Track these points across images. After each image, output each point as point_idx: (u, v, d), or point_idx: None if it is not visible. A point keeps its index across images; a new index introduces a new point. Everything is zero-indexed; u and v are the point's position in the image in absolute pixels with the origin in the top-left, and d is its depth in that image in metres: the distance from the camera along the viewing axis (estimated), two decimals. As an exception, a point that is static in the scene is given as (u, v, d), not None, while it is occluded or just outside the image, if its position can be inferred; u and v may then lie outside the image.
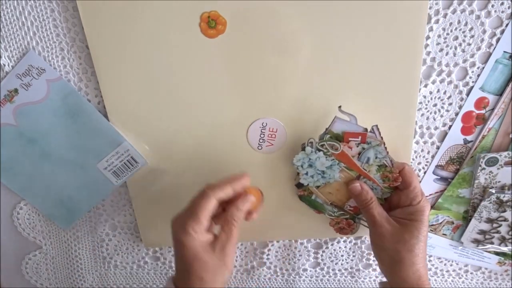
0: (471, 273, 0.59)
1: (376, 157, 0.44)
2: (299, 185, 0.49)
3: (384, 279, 0.47)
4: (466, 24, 0.42)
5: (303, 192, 0.49)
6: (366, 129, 0.44)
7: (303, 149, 0.45)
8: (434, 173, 0.51)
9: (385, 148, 0.44)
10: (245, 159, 0.49)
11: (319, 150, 0.45)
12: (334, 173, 0.46)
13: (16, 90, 0.46)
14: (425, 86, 0.46)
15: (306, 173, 0.47)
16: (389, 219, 0.45)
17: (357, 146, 0.44)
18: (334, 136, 0.45)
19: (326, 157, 0.45)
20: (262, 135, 0.45)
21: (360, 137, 0.44)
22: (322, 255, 0.58)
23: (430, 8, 0.42)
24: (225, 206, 0.43)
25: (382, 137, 0.44)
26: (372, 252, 0.49)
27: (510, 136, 0.47)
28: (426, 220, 0.44)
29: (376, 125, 0.44)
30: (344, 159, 0.45)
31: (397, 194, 0.46)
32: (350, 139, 0.44)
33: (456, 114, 0.47)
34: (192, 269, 0.40)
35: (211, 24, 0.42)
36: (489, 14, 0.42)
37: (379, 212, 0.45)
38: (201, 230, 0.40)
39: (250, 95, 0.45)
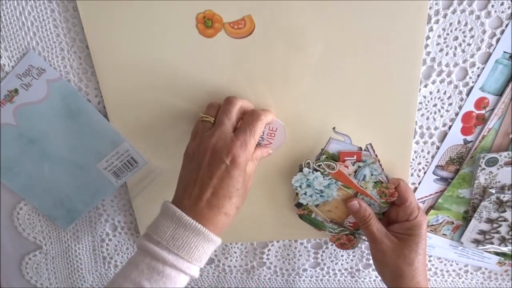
0: (471, 273, 0.59)
1: (372, 174, 0.45)
2: (299, 205, 0.50)
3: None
4: (466, 24, 0.42)
5: (303, 211, 0.51)
6: (360, 148, 0.46)
7: (301, 170, 0.47)
8: (434, 173, 0.51)
9: (380, 165, 0.45)
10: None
11: (316, 171, 0.46)
12: (332, 191, 0.48)
13: (16, 90, 0.46)
14: (425, 86, 0.46)
15: (305, 193, 0.48)
16: (388, 234, 0.46)
17: (353, 165, 0.45)
18: (330, 156, 0.46)
19: (323, 177, 0.47)
20: (261, 134, 0.45)
21: (355, 156, 0.45)
22: (322, 255, 0.58)
23: (430, 8, 0.42)
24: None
25: (376, 155, 0.46)
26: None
27: (510, 136, 0.47)
28: (425, 234, 0.45)
29: (370, 144, 0.46)
30: (341, 177, 0.46)
31: (394, 209, 0.47)
32: (345, 158, 0.45)
33: (456, 114, 0.47)
34: (236, 194, 0.39)
35: (208, 24, 0.42)
36: (489, 14, 0.42)
37: (378, 229, 0.46)
38: (251, 153, 0.40)
39: (251, 95, 0.45)
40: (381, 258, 0.46)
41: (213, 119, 0.41)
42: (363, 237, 0.52)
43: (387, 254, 0.45)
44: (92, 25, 0.42)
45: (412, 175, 0.51)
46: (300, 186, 0.48)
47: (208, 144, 0.39)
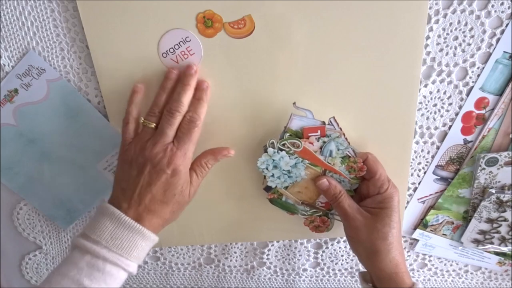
0: (471, 273, 0.59)
1: (338, 149, 0.44)
2: (268, 189, 0.49)
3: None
4: (466, 24, 0.42)
5: (273, 195, 0.49)
6: (324, 122, 0.44)
7: (265, 151, 0.45)
8: (434, 173, 0.51)
9: (346, 138, 0.44)
10: (246, 158, 0.49)
11: (281, 150, 0.45)
12: (300, 171, 0.46)
13: (16, 90, 0.46)
14: (425, 86, 0.46)
15: (272, 175, 0.47)
16: (360, 210, 0.45)
17: (318, 141, 0.44)
18: (293, 134, 0.45)
19: (289, 156, 0.45)
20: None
21: (319, 131, 0.44)
22: (322, 255, 0.58)
23: (430, 8, 0.42)
24: None
25: (341, 128, 0.44)
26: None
27: (510, 136, 0.47)
28: (396, 206, 0.44)
29: (333, 117, 0.44)
30: (307, 155, 0.45)
31: (364, 183, 0.46)
32: (309, 134, 0.44)
33: (456, 114, 0.47)
34: (172, 200, 0.41)
35: (208, 24, 0.42)
36: (489, 14, 0.42)
37: (350, 205, 0.45)
38: (191, 160, 0.42)
39: (251, 94, 0.45)
40: (355, 235, 0.45)
41: (155, 125, 0.42)
42: (337, 217, 0.50)
43: (360, 230, 0.44)
44: (92, 25, 0.42)
45: (412, 175, 0.51)
46: (267, 168, 0.46)
47: (151, 154, 0.40)
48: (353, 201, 0.45)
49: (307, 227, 0.52)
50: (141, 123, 0.43)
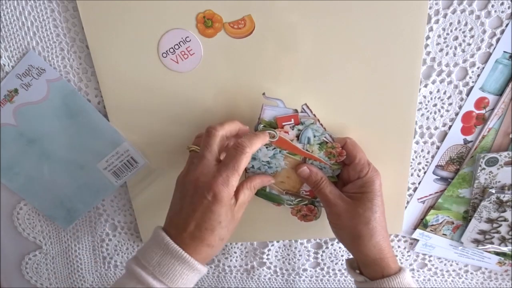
0: (471, 273, 0.59)
1: (314, 136, 0.44)
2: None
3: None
4: (466, 24, 0.42)
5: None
6: (296, 110, 0.44)
7: None
8: (434, 173, 0.51)
9: (321, 124, 0.44)
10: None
11: None
12: (279, 161, 0.46)
13: (16, 90, 0.46)
14: (425, 86, 0.46)
15: (252, 167, 0.47)
16: (342, 196, 0.44)
17: (293, 129, 0.44)
18: (268, 125, 0.44)
19: (267, 147, 0.45)
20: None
21: (292, 119, 0.43)
22: (322, 255, 0.58)
23: (430, 8, 0.42)
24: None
25: (315, 115, 0.44)
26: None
27: (510, 136, 0.47)
28: (378, 190, 0.43)
29: (306, 104, 0.44)
30: (284, 145, 0.45)
31: (346, 169, 0.45)
32: (283, 123, 0.44)
33: (456, 114, 0.47)
34: (218, 227, 0.39)
35: (208, 24, 0.42)
36: (489, 14, 0.42)
37: (331, 191, 0.44)
38: (234, 188, 0.39)
39: (251, 94, 0.45)
40: (337, 221, 0.44)
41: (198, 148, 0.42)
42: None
43: (342, 215, 0.43)
44: (92, 25, 0.42)
45: (412, 175, 0.51)
46: None
47: (192, 177, 0.39)
48: (335, 187, 0.45)
49: (307, 227, 0.52)
50: (187, 149, 0.43)
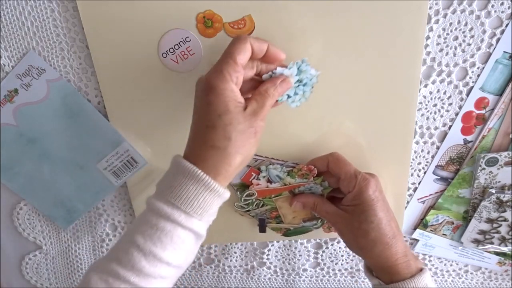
0: (471, 273, 0.59)
1: (279, 171, 0.46)
2: (262, 229, 0.52)
3: None
4: (466, 24, 0.42)
5: (281, 232, 0.52)
6: (249, 166, 0.46)
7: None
8: (434, 173, 0.51)
9: (272, 158, 0.46)
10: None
11: (247, 206, 0.48)
12: (272, 206, 0.48)
13: (16, 90, 0.46)
14: (425, 86, 0.46)
15: (263, 221, 0.51)
16: (339, 212, 0.44)
17: (259, 179, 0.46)
18: (240, 187, 0.47)
19: (257, 204, 0.48)
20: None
21: (252, 173, 0.45)
22: (322, 255, 0.58)
23: (430, 8, 0.42)
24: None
25: (262, 155, 0.46)
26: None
27: (510, 136, 0.47)
28: (371, 199, 0.41)
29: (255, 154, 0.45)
30: (266, 193, 0.47)
31: (339, 183, 0.44)
32: (249, 180, 0.46)
33: (456, 114, 0.47)
34: (220, 123, 0.34)
35: (208, 24, 0.42)
36: (489, 14, 0.42)
37: (328, 211, 0.45)
38: (237, 79, 0.35)
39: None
40: (341, 236, 0.45)
41: None
42: None
43: (343, 231, 0.43)
44: (92, 25, 0.42)
45: (412, 175, 0.51)
46: (251, 215, 0.50)
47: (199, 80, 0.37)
48: (330, 204, 0.45)
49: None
50: None
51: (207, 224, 0.36)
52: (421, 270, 0.41)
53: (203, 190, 0.34)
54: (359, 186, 0.41)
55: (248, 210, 0.50)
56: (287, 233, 0.52)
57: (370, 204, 0.41)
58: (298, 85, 0.42)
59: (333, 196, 0.47)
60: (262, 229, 0.52)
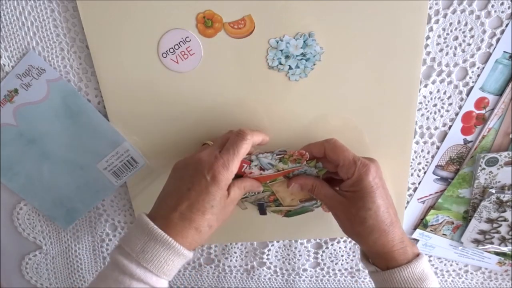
0: (471, 273, 0.59)
1: (270, 159, 0.44)
2: (262, 212, 0.51)
3: None
4: (466, 24, 0.42)
5: (281, 214, 0.51)
6: None
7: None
8: (434, 173, 0.51)
9: (263, 152, 0.44)
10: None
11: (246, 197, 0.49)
12: (269, 191, 0.48)
13: (16, 90, 0.46)
14: (425, 86, 0.46)
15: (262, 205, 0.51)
16: (337, 196, 0.43)
17: (251, 168, 0.44)
18: (235, 177, 0.45)
19: (253, 192, 0.48)
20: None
21: (244, 164, 0.43)
22: (322, 255, 0.58)
23: (430, 8, 0.42)
24: None
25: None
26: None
27: (510, 136, 0.47)
28: (370, 186, 0.40)
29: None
30: (261, 180, 0.46)
31: (338, 169, 0.43)
32: (242, 171, 0.44)
33: (456, 114, 0.47)
34: (210, 211, 0.39)
35: (208, 24, 0.42)
36: (489, 14, 0.42)
37: (326, 194, 0.44)
38: (233, 174, 0.40)
39: (251, 94, 0.45)
40: (338, 221, 0.44)
41: (211, 143, 0.42)
42: None
43: (340, 216, 0.43)
44: (92, 25, 0.42)
45: (412, 175, 0.51)
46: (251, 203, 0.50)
47: (195, 158, 0.40)
48: (329, 188, 0.44)
49: (307, 227, 0.53)
50: (202, 145, 0.44)
51: (168, 278, 0.39)
52: (417, 255, 0.41)
53: (176, 257, 0.38)
54: (358, 173, 0.41)
55: (246, 197, 0.49)
56: (288, 214, 0.51)
57: (369, 191, 0.40)
58: (301, 59, 0.42)
59: (331, 178, 0.46)
60: (263, 212, 0.52)
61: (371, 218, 0.40)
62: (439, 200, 0.52)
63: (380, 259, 0.42)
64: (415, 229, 0.55)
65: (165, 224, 0.38)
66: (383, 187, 0.42)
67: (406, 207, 0.53)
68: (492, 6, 0.41)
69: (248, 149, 0.40)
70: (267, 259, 0.58)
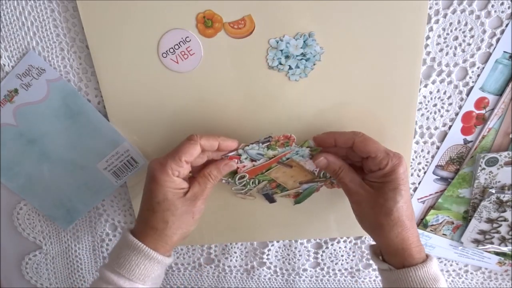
0: (471, 273, 0.59)
1: (267, 149, 0.44)
2: (270, 200, 0.51)
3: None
4: (466, 24, 0.42)
5: (292, 196, 0.51)
6: (226, 155, 0.44)
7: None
8: (434, 173, 0.51)
9: (248, 144, 0.43)
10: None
11: (245, 187, 0.49)
12: (269, 180, 0.48)
13: (16, 90, 0.46)
14: (425, 86, 0.46)
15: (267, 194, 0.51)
16: (363, 184, 0.42)
17: (242, 161, 0.44)
18: (230, 173, 0.47)
19: (253, 184, 0.48)
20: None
21: (234, 159, 0.44)
22: (322, 255, 0.58)
23: (430, 8, 0.42)
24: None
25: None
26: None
27: (510, 136, 0.47)
28: (401, 178, 0.40)
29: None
30: (256, 171, 0.46)
31: (365, 162, 0.43)
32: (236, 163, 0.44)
33: (456, 114, 0.47)
34: (158, 208, 0.40)
35: (208, 24, 0.42)
36: (489, 14, 0.42)
37: (352, 179, 0.43)
38: (179, 173, 0.41)
39: (250, 94, 0.45)
40: (359, 210, 0.43)
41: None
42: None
43: (363, 204, 0.42)
44: (92, 25, 0.42)
45: (412, 175, 0.51)
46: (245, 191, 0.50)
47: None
48: (356, 174, 0.43)
49: (307, 227, 0.53)
50: None
51: (154, 285, 0.43)
52: (427, 255, 0.41)
53: (143, 259, 0.40)
54: (392, 164, 0.40)
55: (248, 190, 0.49)
56: (298, 200, 0.51)
57: (399, 183, 0.40)
58: (301, 59, 0.42)
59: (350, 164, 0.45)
60: (272, 200, 0.51)
61: (397, 211, 0.40)
62: (439, 200, 0.52)
63: (397, 256, 0.41)
64: (415, 229, 0.55)
65: (134, 230, 0.42)
66: (408, 182, 0.42)
67: (406, 207, 0.53)
68: (492, 6, 0.41)
69: (194, 150, 0.40)
70: (267, 259, 0.58)
